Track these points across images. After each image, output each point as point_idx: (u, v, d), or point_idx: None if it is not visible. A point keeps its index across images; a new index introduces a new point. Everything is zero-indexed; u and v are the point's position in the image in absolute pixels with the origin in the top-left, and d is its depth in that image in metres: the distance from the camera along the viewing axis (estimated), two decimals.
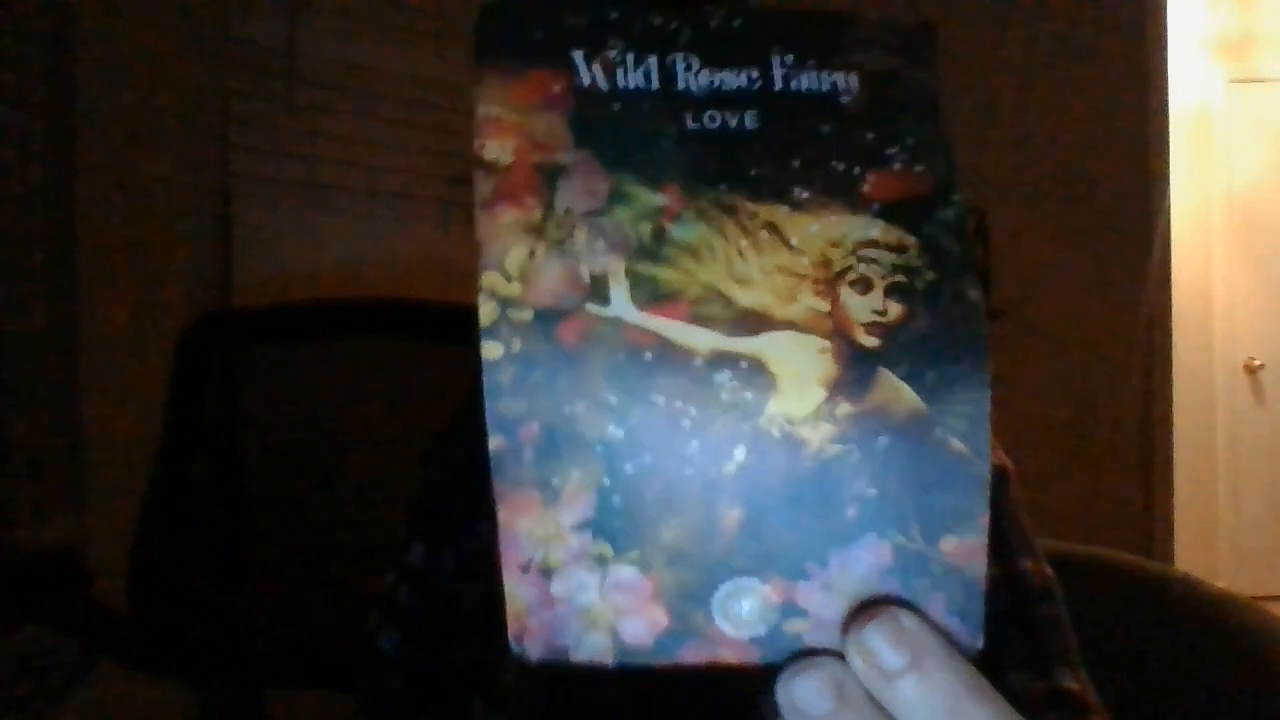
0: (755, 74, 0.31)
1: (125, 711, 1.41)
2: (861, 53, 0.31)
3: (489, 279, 0.28)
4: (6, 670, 1.30)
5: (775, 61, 0.31)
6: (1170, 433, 2.53)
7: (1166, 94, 2.56)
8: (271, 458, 1.57)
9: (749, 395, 0.28)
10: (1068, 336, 2.42)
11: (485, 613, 0.61)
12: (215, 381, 1.51)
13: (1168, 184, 2.52)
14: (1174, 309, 2.63)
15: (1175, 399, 2.57)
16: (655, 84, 0.30)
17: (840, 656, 0.27)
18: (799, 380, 0.28)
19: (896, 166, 0.30)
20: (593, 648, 0.28)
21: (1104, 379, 2.46)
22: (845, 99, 0.31)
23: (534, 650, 0.28)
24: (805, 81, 0.31)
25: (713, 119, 0.30)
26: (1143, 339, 2.46)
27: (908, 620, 0.27)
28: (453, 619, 0.63)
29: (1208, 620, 0.80)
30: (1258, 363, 4.15)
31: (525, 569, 0.28)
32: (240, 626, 1.47)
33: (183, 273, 1.64)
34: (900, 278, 0.29)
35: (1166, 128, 2.55)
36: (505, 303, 0.28)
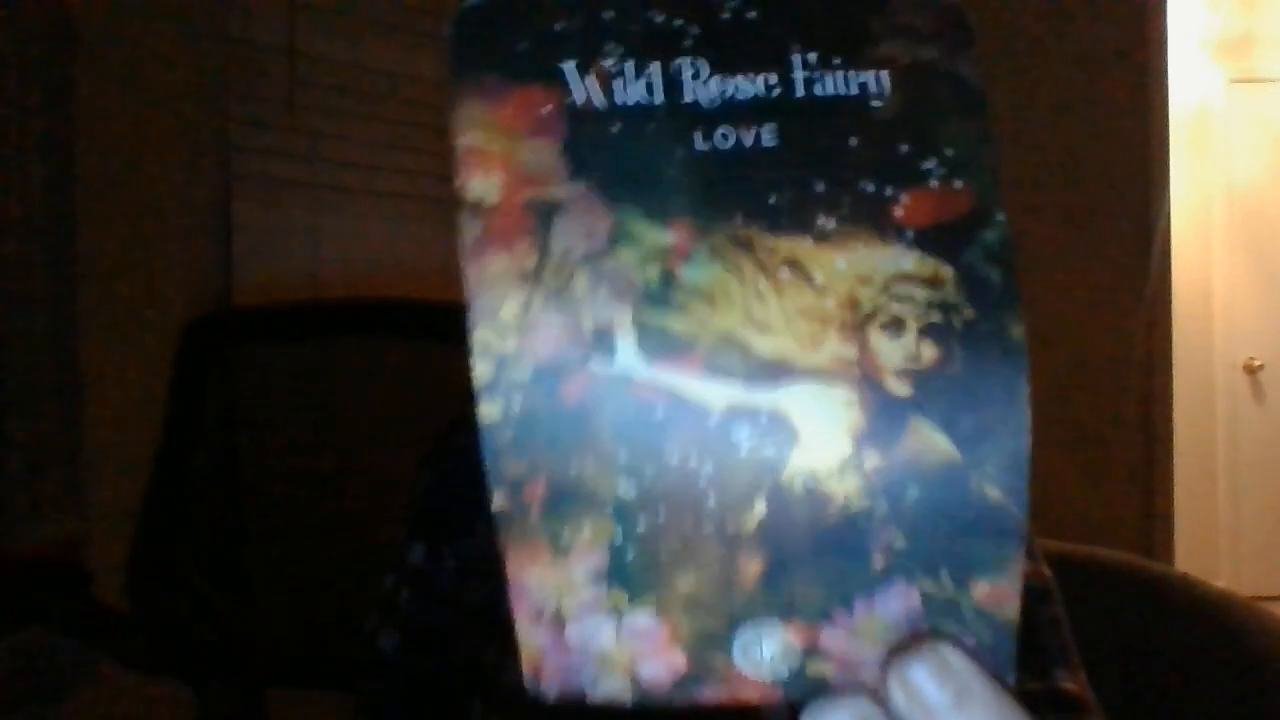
0: (773, 79, 0.27)
1: (125, 711, 1.41)
2: (894, 44, 0.27)
3: (482, 335, 0.26)
4: (6, 670, 1.30)
5: (795, 62, 0.27)
6: (1170, 433, 2.53)
7: (1166, 94, 2.55)
8: (271, 458, 1.57)
9: (770, 449, 0.26)
10: (1068, 337, 2.42)
11: (485, 614, 0.61)
12: (215, 381, 1.51)
13: (1168, 184, 2.52)
14: (1174, 309, 2.63)
15: (1175, 399, 2.57)
16: (659, 97, 0.27)
17: (867, 694, 0.26)
18: (824, 433, 0.26)
19: (933, 184, 0.27)
20: (610, 688, 0.26)
21: (1104, 379, 2.46)
22: (876, 104, 0.27)
23: (550, 691, 0.27)
24: (830, 85, 0.27)
25: (725, 137, 0.27)
26: (1143, 339, 2.46)
27: (952, 655, 0.26)
28: (453, 620, 0.63)
29: (1208, 620, 0.80)
30: (1258, 363, 4.15)
31: (538, 616, 0.26)
32: (240, 626, 1.47)
33: (183, 273, 1.64)
34: (936, 317, 0.26)
35: (1166, 128, 2.55)
36: (501, 360, 0.26)
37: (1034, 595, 0.60)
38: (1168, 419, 2.52)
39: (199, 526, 1.48)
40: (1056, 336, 2.40)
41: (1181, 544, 2.60)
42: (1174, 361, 2.60)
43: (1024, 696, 0.26)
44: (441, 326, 1.35)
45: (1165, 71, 2.54)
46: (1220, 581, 0.84)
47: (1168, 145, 2.56)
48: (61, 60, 1.49)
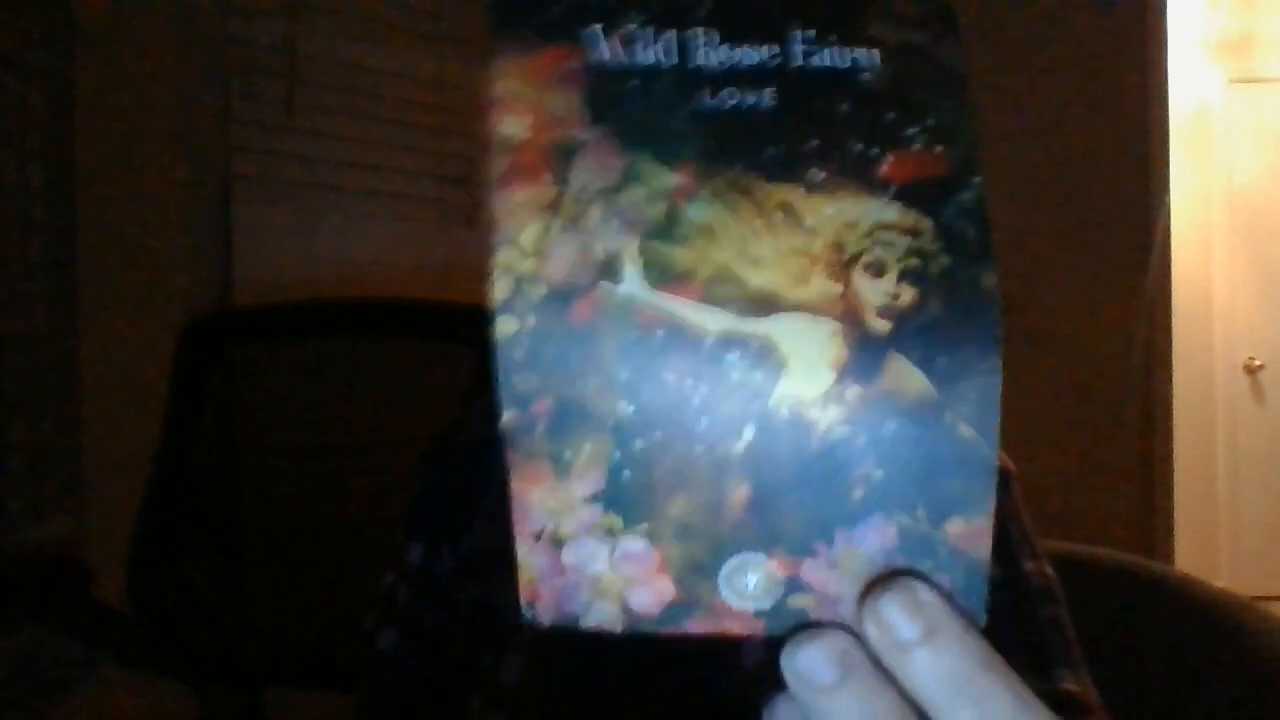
0: (775, 49, 0.30)
1: (125, 711, 1.41)
2: (885, 28, 0.30)
3: (505, 255, 0.28)
4: (6, 670, 1.30)
5: (795, 37, 0.30)
6: (1170, 433, 2.53)
7: (1166, 94, 2.55)
8: (271, 458, 1.57)
9: (759, 376, 0.28)
10: (1068, 336, 2.42)
11: (483, 613, 0.62)
12: (215, 381, 1.51)
13: (1168, 184, 2.52)
14: (1174, 309, 2.62)
15: (1175, 399, 2.57)
16: (673, 60, 0.30)
17: (846, 630, 0.27)
18: (809, 362, 0.28)
19: (916, 147, 0.29)
20: (602, 615, 0.28)
21: (1104, 379, 2.46)
22: (866, 76, 0.30)
23: (545, 615, 0.28)
24: (826, 58, 0.30)
25: (730, 96, 0.30)
26: (1143, 339, 2.46)
27: (924, 592, 0.27)
28: (451, 619, 0.63)
29: (1208, 620, 0.80)
30: (1258, 363, 4.15)
31: (537, 538, 0.28)
32: (240, 626, 1.48)
33: (183, 273, 1.63)
34: (914, 262, 0.28)
35: (1166, 128, 2.55)
36: (520, 279, 0.28)
37: (1037, 595, 0.60)
38: (1168, 419, 2.52)
39: (199, 526, 1.48)
40: (1056, 336, 2.40)
41: (1181, 544, 2.60)
42: (1174, 361, 2.59)
43: None
44: (441, 326, 1.35)
45: (1165, 71, 2.54)
46: (1220, 581, 0.84)
47: (1168, 145, 2.56)
48: (61, 60, 1.49)
